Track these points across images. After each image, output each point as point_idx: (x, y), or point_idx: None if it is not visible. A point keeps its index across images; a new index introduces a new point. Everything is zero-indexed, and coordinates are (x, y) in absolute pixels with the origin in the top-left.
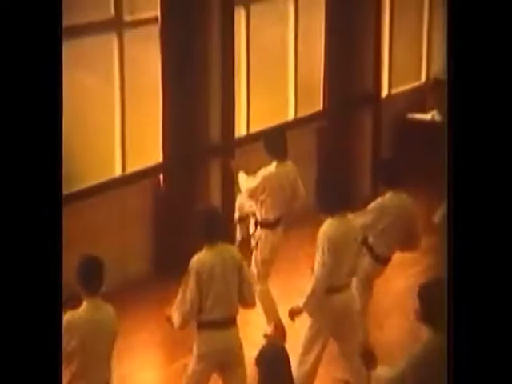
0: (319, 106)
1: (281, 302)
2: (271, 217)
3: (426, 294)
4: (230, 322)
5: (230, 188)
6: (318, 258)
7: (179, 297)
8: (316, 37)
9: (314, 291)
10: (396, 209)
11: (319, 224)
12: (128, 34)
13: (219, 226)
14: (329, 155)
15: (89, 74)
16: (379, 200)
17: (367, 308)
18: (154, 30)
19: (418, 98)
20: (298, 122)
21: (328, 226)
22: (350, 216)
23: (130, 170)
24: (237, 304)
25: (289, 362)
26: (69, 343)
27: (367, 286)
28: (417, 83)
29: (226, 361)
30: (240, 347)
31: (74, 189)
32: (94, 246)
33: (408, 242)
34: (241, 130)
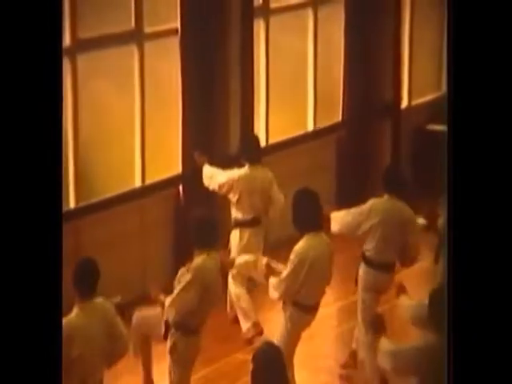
0: (338, 117)
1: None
2: (240, 217)
3: (434, 299)
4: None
5: None
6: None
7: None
8: (335, 48)
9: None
10: (386, 213)
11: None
12: (148, 46)
13: (212, 232)
14: (348, 166)
15: (109, 85)
16: (370, 201)
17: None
18: (174, 42)
19: (439, 110)
20: (317, 134)
21: (301, 244)
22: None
23: (150, 180)
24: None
25: (284, 362)
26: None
27: (371, 296)
28: (437, 94)
29: None
30: None
31: (95, 199)
32: (114, 256)
33: (403, 253)
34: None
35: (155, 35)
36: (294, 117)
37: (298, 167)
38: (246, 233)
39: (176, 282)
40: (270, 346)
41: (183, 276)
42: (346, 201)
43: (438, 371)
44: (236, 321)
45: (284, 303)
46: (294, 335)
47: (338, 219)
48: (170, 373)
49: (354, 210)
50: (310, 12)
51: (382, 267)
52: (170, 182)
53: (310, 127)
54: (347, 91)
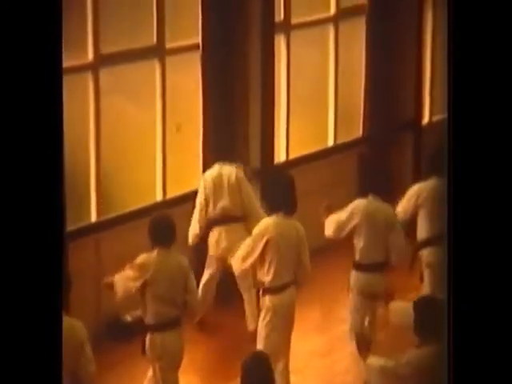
0: (359, 132)
1: None
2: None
3: (420, 308)
4: (171, 324)
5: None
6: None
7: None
8: (356, 63)
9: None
10: (368, 213)
11: None
12: (170, 61)
13: (167, 232)
14: (368, 182)
15: (130, 100)
16: (356, 201)
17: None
18: (196, 57)
19: None
20: (337, 149)
21: (264, 220)
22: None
23: (171, 194)
24: (179, 309)
25: (272, 371)
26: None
27: (365, 303)
28: None
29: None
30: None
31: (116, 213)
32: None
33: (390, 254)
34: (280, 156)
35: (177, 50)
36: (314, 132)
37: (318, 182)
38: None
39: None
40: (258, 354)
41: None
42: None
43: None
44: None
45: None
46: (279, 327)
47: (328, 222)
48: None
49: (339, 212)
50: (331, 27)
51: (372, 268)
52: (191, 196)
53: (331, 142)
54: (368, 106)
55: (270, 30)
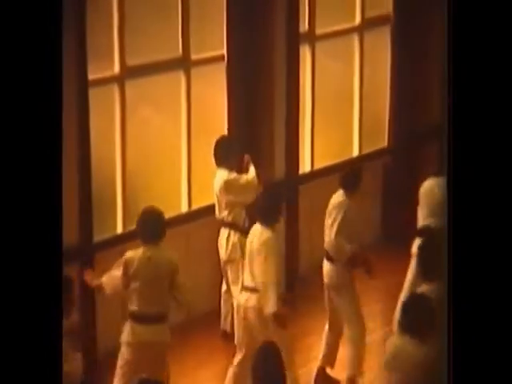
0: (384, 142)
1: None
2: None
3: (408, 307)
4: (154, 319)
5: (294, 224)
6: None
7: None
8: (381, 73)
9: None
10: (335, 207)
11: None
12: (195, 72)
13: (155, 227)
14: (394, 192)
15: (156, 112)
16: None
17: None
18: (221, 69)
19: None
20: (362, 159)
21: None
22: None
23: (196, 206)
24: (165, 303)
25: (282, 362)
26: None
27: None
28: None
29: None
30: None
31: None
32: None
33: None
34: (305, 167)
35: (202, 62)
36: (339, 142)
37: None
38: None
39: None
40: (269, 344)
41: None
42: (391, 227)
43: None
44: (226, 336)
45: None
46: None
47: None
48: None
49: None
50: (355, 37)
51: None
52: (217, 201)
53: (356, 152)
54: (393, 116)
55: (294, 40)
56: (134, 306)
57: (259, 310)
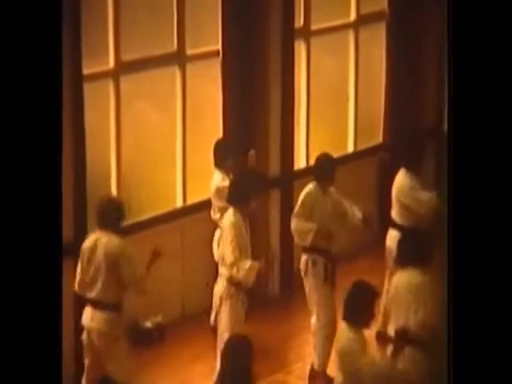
0: (379, 138)
1: None
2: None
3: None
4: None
5: (289, 220)
6: None
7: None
8: (376, 69)
9: None
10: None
11: None
12: (190, 68)
13: (112, 215)
14: (389, 188)
15: (151, 106)
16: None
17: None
18: (216, 64)
19: None
20: (357, 155)
21: None
22: None
23: (191, 201)
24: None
25: (251, 354)
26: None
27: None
28: None
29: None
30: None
31: (136, 219)
32: (155, 276)
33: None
34: (300, 162)
35: (197, 57)
36: (334, 138)
37: (338, 189)
38: None
39: None
40: (238, 337)
41: None
42: (387, 222)
43: None
44: (215, 331)
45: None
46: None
47: None
48: None
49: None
50: (351, 33)
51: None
52: (211, 203)
53: (351, 148)
54: (389, 112)
55: (289, 36)
56: (89, 292)
57: None
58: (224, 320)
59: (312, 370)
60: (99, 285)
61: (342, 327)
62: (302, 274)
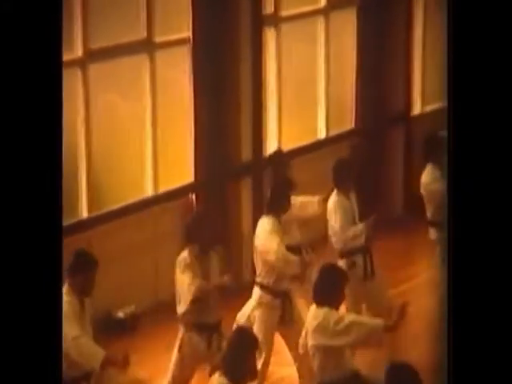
0: (351, 124)
1: None
2: None
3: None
4: None
5: (261, 206)
6: None
7: None
8: (347, 55)
9: None
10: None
11: None
12: (159, 55)
13: None
14: (360, 174)
15: (120, 95)
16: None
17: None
18: (185, 51)
19: None
20: (329, 141)
21: None
22: None
23: (162, 189)
24: None
25: (257, 346)
26: None
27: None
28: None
29: None
30: None
31: (106, 209)
32: (127, 265)
33: None
34: (271, 149)
35: (166, 44)
36: (305, 124)
37: (309, 175)
38: None
39: None
40: (243, 328)
41: None
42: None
43: None
44: None
45: None
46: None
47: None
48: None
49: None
50: (321, 19)
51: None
52: (183, 191)
53: (322, 135)
54: (359, 98)
55: (259, 22)
56: None
57: None
58: (257, 326)
59: None
60: None
61: (312, 309)
62: None
